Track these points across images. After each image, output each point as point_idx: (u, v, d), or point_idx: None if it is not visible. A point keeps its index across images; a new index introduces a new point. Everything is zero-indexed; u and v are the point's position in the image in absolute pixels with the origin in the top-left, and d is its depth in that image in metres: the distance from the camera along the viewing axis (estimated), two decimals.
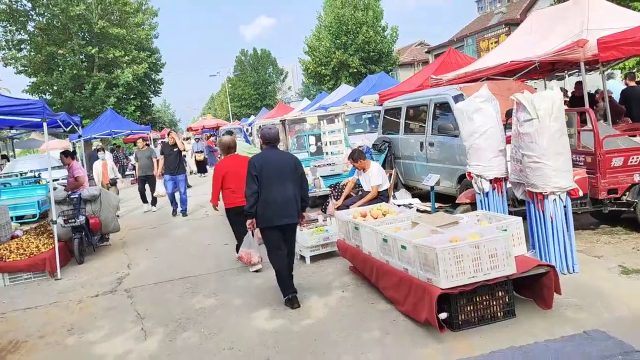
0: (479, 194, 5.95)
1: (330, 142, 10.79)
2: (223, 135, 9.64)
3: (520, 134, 5.00)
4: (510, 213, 5.84)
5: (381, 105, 15.08)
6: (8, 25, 27.89)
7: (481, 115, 5.66)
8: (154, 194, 12.73)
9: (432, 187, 7.30)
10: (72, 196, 8.50)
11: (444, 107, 8.74)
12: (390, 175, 7.79)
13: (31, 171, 17.86)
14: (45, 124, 7.37)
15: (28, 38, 28.58)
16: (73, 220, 8.08)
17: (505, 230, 4.47)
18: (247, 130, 33.75)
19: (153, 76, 36.30)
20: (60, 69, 27.70)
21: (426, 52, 44.23)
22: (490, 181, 5.81)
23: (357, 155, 7.49)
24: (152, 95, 37.23)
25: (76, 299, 6.40)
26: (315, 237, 6.61)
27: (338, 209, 7.50)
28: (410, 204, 9.45)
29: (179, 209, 11.61)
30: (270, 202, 5.07)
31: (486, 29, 34.05)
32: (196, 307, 5.54)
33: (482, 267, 3.99)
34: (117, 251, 8.88)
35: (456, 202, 6.83)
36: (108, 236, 9.33)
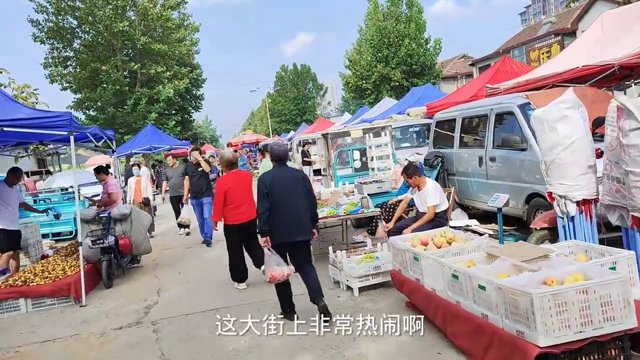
0: (562, 218, 4.99)
1: (376, 157, 9.97)
2: (225, 150, 8.52)
3: (624, 146, 4.06)
4: (601, 241, 4.86)
5: (429, 117, 14.22)
6: (55, 42, 28.46)
7: (566, 125, 4.74)
8: (177, 220, 11.33)
9: (499, 209, 6.35)
10: (101, 215, 7.96)
11: (507, 118, 7.80)
12: (449, 194, 6.88)
13: (71, 187, 17.71)
14: (72, 138, 6.85)
15: (73, 55, 29.04)
16: (101, 241, 7.52)
17: (614, 268, 3.53)
18: (287, 145, 33.34)
19: (194, 92, 36.42)
20: (103, 85, 27.96)
21: (470, 64, 43.01)
22: (577, 203, 4.85)
23: (412, 171, 6.64)
24: (192, 111, 37.33)
25: (98, 331, 5.75)
26: (364, 266, 5.77)
27: (389, 232, 6.66)
28: (468, 225, 8.50)
29: (207, 237, 10.05)
30: (281, 219, 5.05)
31: (534, 39, 32.68)
32: (228, 348, 4.77)
33: (592, 318, 3.07)
34: (148, 274, 8.27)
35: (531, 226, 5.86)
36: (139, 258, 8.74)
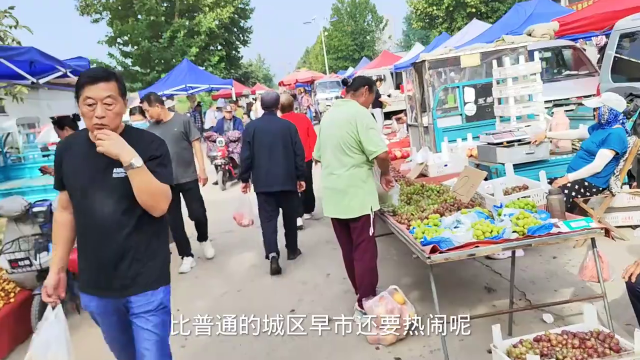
0: None
1: (516, 97, 5.88)
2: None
3: None
4: None
5: (561, 38, 9.81)
6: None
7: None
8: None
9: None
10: (35, 209, 4.44)
11: None
12: None
13: None
14: None
15: None
16: (27, 262, 4.05)
17: None
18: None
19: (241, 23, 32.28)
20: (137, 15, 24.43)
21: None
22: None
23: None
24: (240, 45, 33.37)
25: None
26: None
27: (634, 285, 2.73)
28: None
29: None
30: (260, 169, 5.16)
31: None
32: None
33: None
34: None
35: None
36: None
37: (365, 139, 3.61)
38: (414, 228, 3.22)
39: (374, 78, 19.24)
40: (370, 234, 3.78)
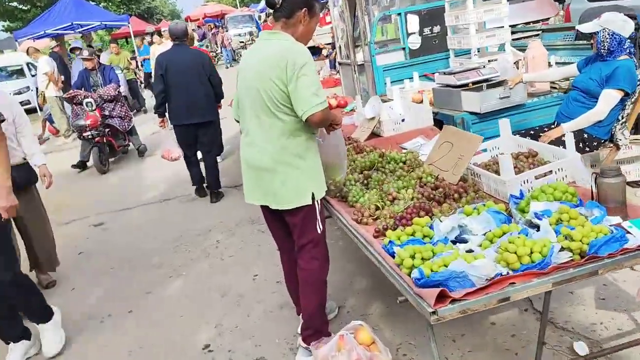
0: None
1: (476, 23, 4.64)
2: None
3: None
4: None
5: None
6: None
7: None
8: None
9: None
10: None
11: None
12: None
13: None
14: None
15: None
16: None
17: None
18: (259, 18, 27.32)
19: None
20: None
21: None
22: None
23: None
24: None
25: None
26: None
27: None
28: None
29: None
30: (177, 102, 5.13)
31: None
32: None
33: None
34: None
35: None
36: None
37: (293, 90, 2.23)
38: (391, 243, 1.95)
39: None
40: (319, 232, 2.50)
